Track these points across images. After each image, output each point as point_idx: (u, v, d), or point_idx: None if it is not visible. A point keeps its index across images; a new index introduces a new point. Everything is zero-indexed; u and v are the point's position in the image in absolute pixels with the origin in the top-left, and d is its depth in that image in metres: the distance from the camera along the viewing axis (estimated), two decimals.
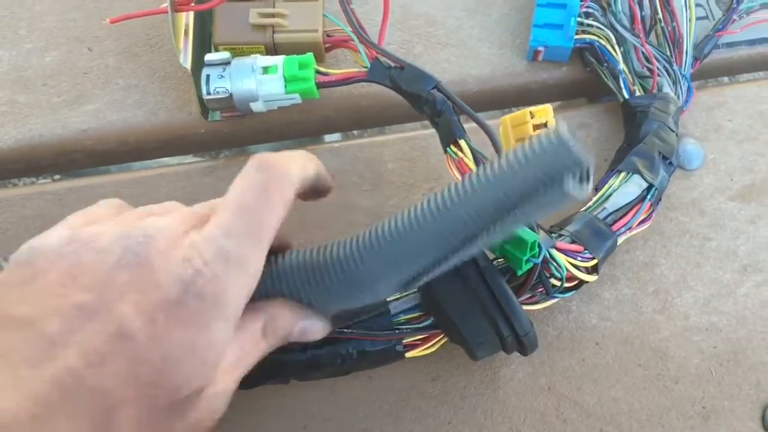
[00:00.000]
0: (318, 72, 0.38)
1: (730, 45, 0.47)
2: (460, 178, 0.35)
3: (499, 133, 0.32)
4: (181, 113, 0.40)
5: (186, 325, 0.24)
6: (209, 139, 0.41)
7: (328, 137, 0.45)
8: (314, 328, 0.30)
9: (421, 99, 0.37)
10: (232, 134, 0.41)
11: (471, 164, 0.35)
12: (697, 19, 0.47)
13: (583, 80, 0.45)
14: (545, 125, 0.31)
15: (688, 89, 0.43)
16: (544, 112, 0.30)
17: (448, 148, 0.36)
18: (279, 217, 0.27)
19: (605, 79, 0.43)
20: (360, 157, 0.41)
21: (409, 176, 0.41)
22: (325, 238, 0.39)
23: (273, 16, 0.39)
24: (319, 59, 0.40)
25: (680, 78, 0.42)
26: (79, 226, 0.27)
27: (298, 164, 0.29)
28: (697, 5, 0.48)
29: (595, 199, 0.38)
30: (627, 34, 0.42)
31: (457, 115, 0.36)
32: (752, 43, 0.47)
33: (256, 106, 0.38)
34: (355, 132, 0.45)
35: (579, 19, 0.42)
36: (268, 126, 0.41)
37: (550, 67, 0.45)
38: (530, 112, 0.30)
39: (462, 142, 0.35)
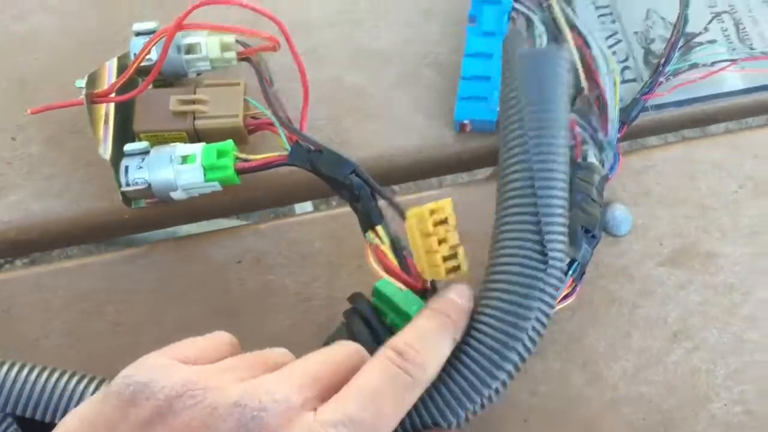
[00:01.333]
0: (237, 159, 0.38)
1: (658, 107, 0.47)
2: (376, 265, 0.35)
3: (407, 227, 0.33)
4: (104, 201, 0.40)
5: None
6: (135, 224, 0.41)
7: (251, 217, 0.45)
8: None
9: (339, 183, 0.37)
10: (157, 217, 0.41)
11: (387, 251, 0.35)
12: (626, 81, 0.48)
13: None
14: (446, 221, 0.31)
15: (614, 156, 0.43)
16: (443, 209, 0.31)
17: (366, 233, 0.36)
18: (399, 420, 0.27)
19: None
20: (286, 237, 0.41)
21: (337, 255, 0.41)
22: (251, 322, 0.39)
23: (193, 102, 0.39)
24: (243, 142, 0.40)
25: (605, 145, 0.43)
26: (190, 362, 0.26)
27: (438, 360, 0.28)
28: (626, 68, 0.48)
29: None
30: None
31: (375, 199, 0.36)
32: (680, 104, 0.48)
33: (177, 195, 0.38)
34: (280, 209, 0.45)
35: None
36: (193, 208, 0.41)
37: (480, 136, 0.45)
38: (430, 209, 0.31)
39: (379, 228, 0.36)
